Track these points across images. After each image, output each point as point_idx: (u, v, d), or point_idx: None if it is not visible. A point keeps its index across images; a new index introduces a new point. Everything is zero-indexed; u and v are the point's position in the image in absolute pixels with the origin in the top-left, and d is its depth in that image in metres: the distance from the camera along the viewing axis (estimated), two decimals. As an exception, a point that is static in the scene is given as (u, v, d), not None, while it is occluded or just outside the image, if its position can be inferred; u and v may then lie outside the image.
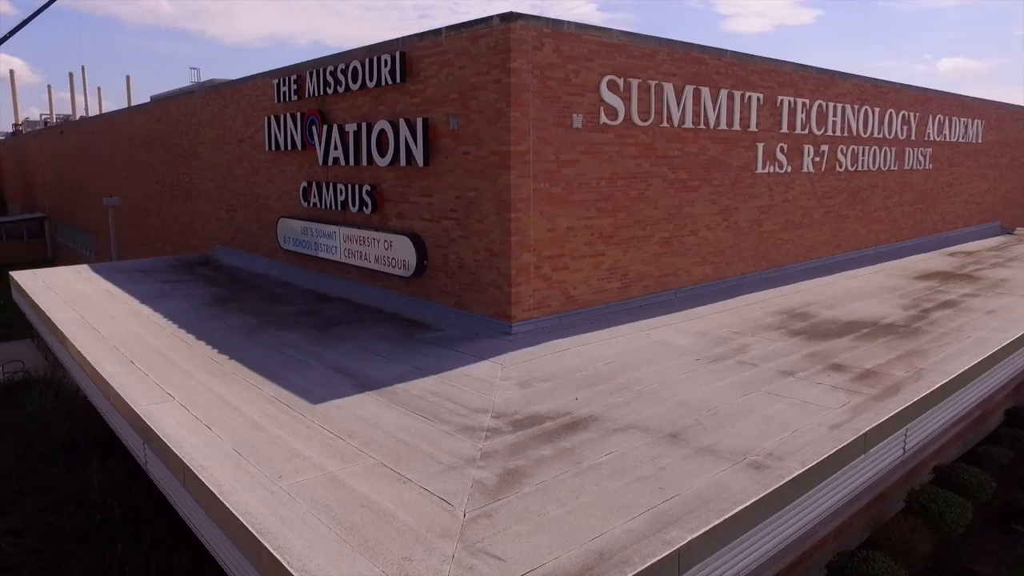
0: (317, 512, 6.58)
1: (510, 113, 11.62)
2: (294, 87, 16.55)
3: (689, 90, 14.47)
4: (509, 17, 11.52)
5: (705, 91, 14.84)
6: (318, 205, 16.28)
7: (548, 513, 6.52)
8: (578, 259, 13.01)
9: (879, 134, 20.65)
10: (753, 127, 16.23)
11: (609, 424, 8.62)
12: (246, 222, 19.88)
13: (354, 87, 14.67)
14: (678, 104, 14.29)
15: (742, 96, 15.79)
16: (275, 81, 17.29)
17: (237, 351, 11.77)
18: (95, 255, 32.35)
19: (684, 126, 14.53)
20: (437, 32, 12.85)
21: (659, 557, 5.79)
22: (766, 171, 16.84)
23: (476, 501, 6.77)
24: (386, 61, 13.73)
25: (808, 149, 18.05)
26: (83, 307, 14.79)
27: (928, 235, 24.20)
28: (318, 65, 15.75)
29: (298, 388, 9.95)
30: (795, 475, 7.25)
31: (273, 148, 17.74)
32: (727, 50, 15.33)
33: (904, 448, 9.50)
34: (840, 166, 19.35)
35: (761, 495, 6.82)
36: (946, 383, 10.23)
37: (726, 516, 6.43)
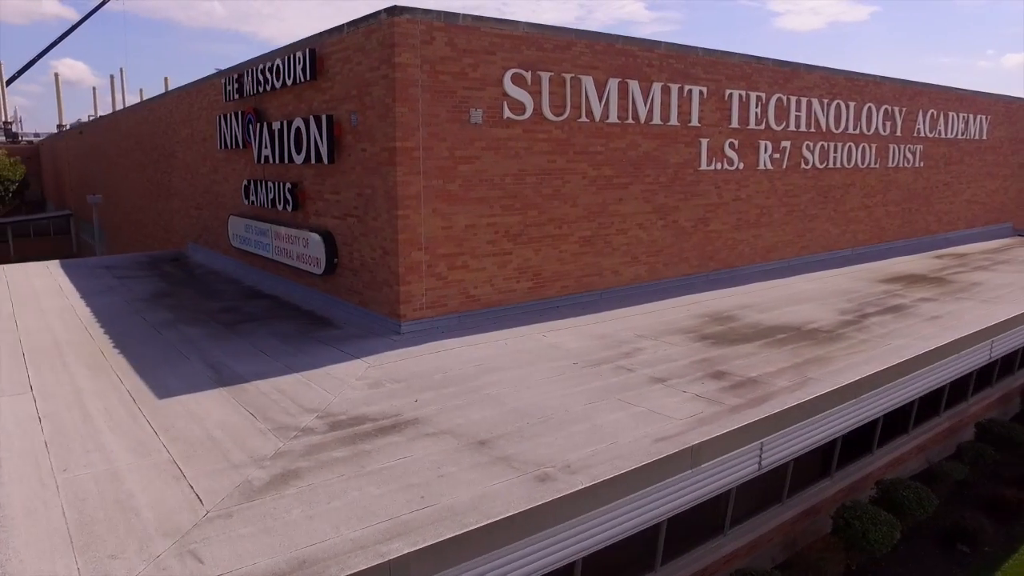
0: (70, 506, 6.56)
1: (396, 108, 11.44)
2: (236, 86, 16.76)
3: (614, 83, 13.97)
4: (394, 11, 11.34)
5: (634, 84, 14.30)
6: (255, 203, 16.45)
7: (288, 517, 6.33)
8: (480, 258, 12.72)
9: (855, 129, 19.54)
10: (695, 122, 15.57)
11: (426, 428, 8.36)
12: (210, 220, 20.27)
13: (277, 85, 14.75)
14: (600, 98, 13.80)
15: (681, 89, 15.16)
16: (223, 80, 17.56)
17: (133, 346, 11.94)
18: (106, 251, 33.69)
19: (608, 121, 14.03)
20: (341, 29, 12.77)
21: (356, 569, 5.54)
22: (712, 168, 16.13)
23: (229, 501, 6.64)
24: (299, 59, 13.74)
25: (765, 145, 17.22)
26: (21, 302, 15.31)
27: (920, 236, 22.79)
28: (254, 64, 15.91)
29: (157, 382, 10.01)
30: (574, 491, 6.82)
31: (223, 147, 18.03)
32: (661, 42, 14.75)
33: (759, 464, 8.88)
34: (806, 163, 18.39)
35: (520, 510, 6.45)
36: (819, 396, 9.51)
37: (464, 531, 6.10)
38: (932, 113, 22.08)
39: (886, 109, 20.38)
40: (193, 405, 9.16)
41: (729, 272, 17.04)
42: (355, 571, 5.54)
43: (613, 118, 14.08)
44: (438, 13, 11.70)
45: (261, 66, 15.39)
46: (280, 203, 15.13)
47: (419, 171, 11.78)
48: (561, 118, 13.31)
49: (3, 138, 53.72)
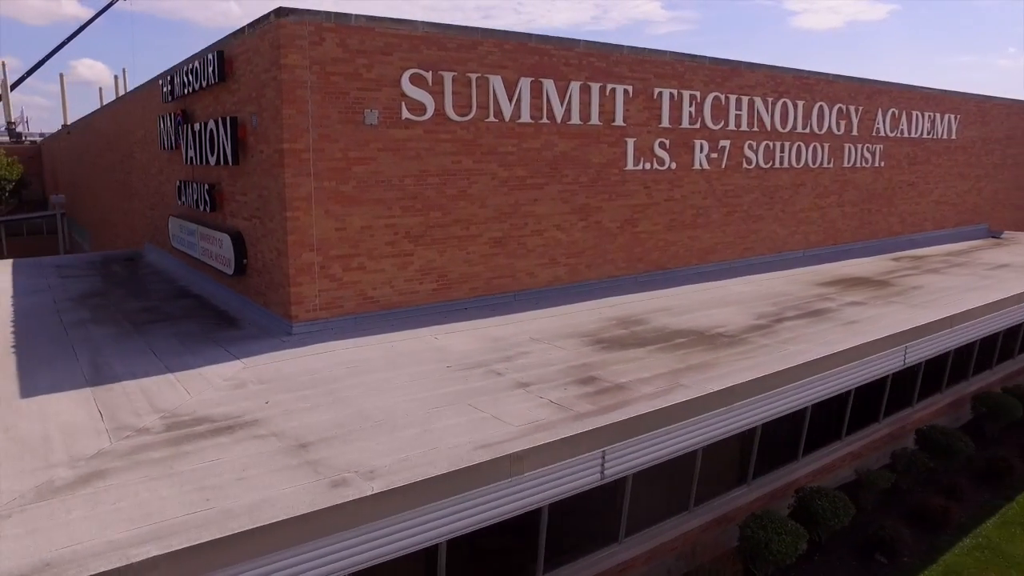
0: None
1: (283, 110, 11.44)
2: (169, 87, 16.92)
3: (525, 82, 13.83)
4: (281, 12, 11.33)
5: (548, 83, 14.14)
6: (186, 204, 16.60)
7: (65, 518, 6.35)
8: (378, 259, 12.66)
9: (804, 129, 19.12)
10: (619, 121, 15.35)
11: (259, 430, 8.34)
12: (159, 220, 20.48)
13: (197, 87, 14.86)
14: (510, 98, 13.67)
15: (603, 88, 14.96)
16: (160, 81, 17.74)
17: (31, 346, 12.09)
18: (91, 249, 34.32)
19: (520, 120, 13.89)
20: (243, 31, 12.81)
21: (94, 572, 5.53)
22: (640, 168, 15.90)
23: (19, 502, 6.67)
24: (210, 60, 13.82)
25: (701, 145, 16.92)
26: (-47, 299, 15.63)
27: (883, 238, 22.23)
28: (182, 66, 16.03)
29: (29, 382, 10.11)
30: (359, 497, 6.73)
31: (162, 148, 18.22)
32: (580, 40, 14.57)
33: (602, 474, 8.66)
34: (749, 163, 18.04)
35: (290, 516, 6.38)
36: (674, 405, 9.25)
37: (223, 535, 6.06)
38: (893, 112, 21.53)
39: (840, 108, 19.92)
40: (50, 405, 9.24)
41: (662, 274, 16.79)
42: (92, 574, 5.53)
43: (526, 118, 13.94)
44: (328, 14, 11.68)
45: (186, 67, 15.52)
46: (201, 204, 15.25)
47: (309, 172, 11.76)
48: (466, 118, 13.20)
49: (7, 138, 55.25)
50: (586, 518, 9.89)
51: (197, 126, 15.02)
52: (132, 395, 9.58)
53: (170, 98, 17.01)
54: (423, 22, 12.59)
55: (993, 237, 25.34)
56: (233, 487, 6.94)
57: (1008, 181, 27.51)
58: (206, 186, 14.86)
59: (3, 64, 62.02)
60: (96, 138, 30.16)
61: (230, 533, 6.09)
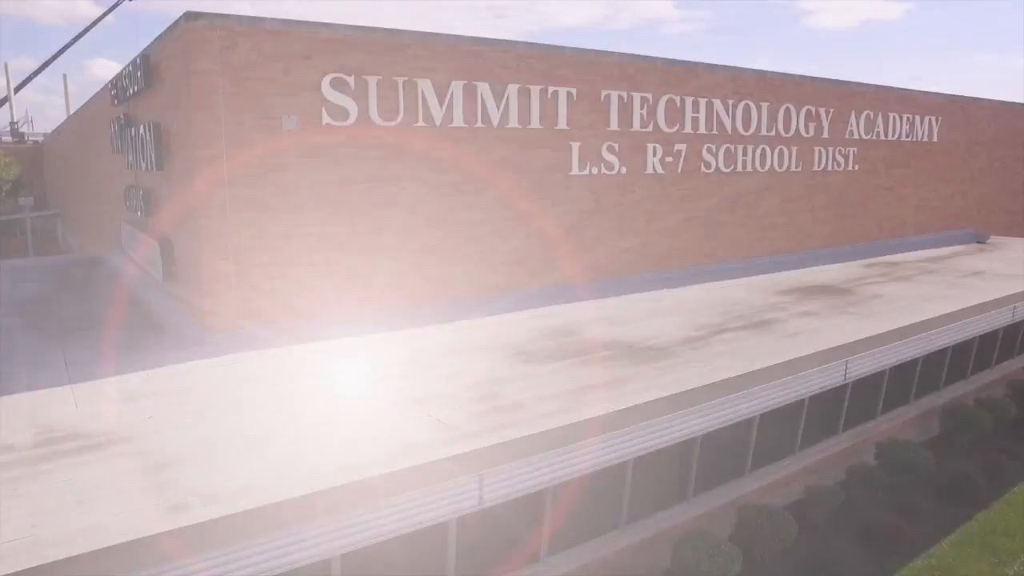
0: None
1: (194, 116, 11.21)
2: (115, 91, 16.81)
3: (458, 85, 13.48)
4: (190, 17, 11.11)
5: (484, 86, 13.79)
6: (130, 208, 16.48)
7: None
8: (300, 267, 12.40)
9: (770, 131, 18.55)
10: (563, 125, 14.94)
11: (128, 447, 8.10)
12: (121, 224, 20.44)
13: (134, 91, 14.72)
14: (441, 101, 13.34)
15: (543, 91, 14.57)
16: (109, 84, 17.65)
17: (-50, 353, 12.00)
18: (77, 250, 34.51)
19: (453, 125, 13.55)
20: (164, 35, 12.61)
21: None
22: (587, 172, 15.48)
23: None
24: (138, 64, 13.66)
25: (654, 148, 16.46)
26: None
27: (858, 243, 21.54)
28: (124, 69, 15.91)
29: (-77, 395, 9.99)
30: (191, 524, 6.46)
31: (114, 151, 18.13)
32: (519, 41, 14.21)
33: (480, 499, 8.29)
34: (708, 167, 17.53)
35: (101, 547, 6.12)
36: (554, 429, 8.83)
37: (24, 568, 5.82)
38: (868, 114, 20.85)
39: (808, 110, 19.31)
40: (-74, 420, 9.09)
41: (613, 282, 16.33)
42: None
43: (459, 122, 13.59)
44: (240, 18, 11.43)
45: (125, 72, 15.39)
46: (140, 209, 15.12)
47: (223, 180, 11.52)
48: (393, 123, 12.89)
49: (10, 138, 56.01)
50: (501, 535, 9.55)
51: (133, 131, 14.88)
52: (18, 408, 9.39)
53: (116, 102, 16.91)
54: (344, 25, 12.31)
55: (979, 242, 24.52)
56: (70, 511, 6.69)
57: (996, 185, 26.63)
58: (142, 191, 14.72)
59: (6, 66, 62.80)
60: (75, 140, 30.30)
61: (33, 565, 5.84)
